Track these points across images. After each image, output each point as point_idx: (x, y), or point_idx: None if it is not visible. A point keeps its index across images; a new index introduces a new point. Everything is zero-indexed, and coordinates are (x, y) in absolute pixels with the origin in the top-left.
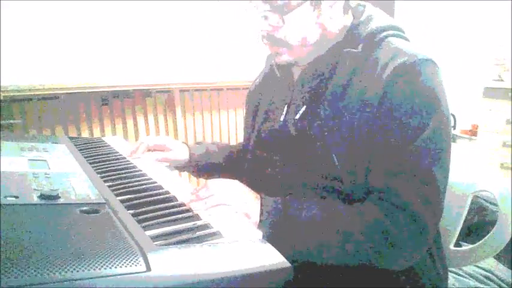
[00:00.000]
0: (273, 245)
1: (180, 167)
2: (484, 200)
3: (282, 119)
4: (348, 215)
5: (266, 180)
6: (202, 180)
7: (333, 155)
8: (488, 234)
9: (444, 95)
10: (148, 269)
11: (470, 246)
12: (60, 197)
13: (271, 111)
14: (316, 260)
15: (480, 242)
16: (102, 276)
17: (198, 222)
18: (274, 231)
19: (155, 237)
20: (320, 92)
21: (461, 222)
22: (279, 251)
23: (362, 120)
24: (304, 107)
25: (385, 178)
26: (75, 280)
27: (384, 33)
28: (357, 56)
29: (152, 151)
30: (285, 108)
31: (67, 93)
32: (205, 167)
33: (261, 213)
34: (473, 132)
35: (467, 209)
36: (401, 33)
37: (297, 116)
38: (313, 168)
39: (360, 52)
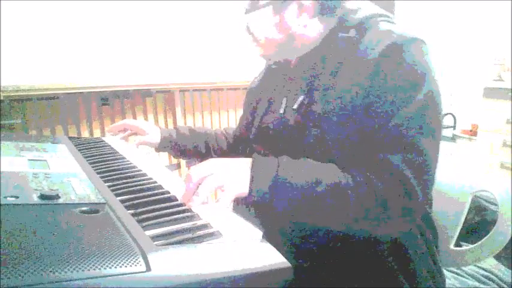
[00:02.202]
0: (266, 210)
1: (159, 149)
2: (484, 200)
3: (281, 111)
4: (343, 178)
5: None
6: None
7: (329, 142)
8: (488, 234)
9: (431, 71)
10: (149, 269)
11: (470, 246)
12: (60, 197)
13: (272, 105)
14: (309, 222)
15: (480, 242)
16: (102, 276)
17: (198, 222)
18: (267, 193)
19: (155, 237)
20: (315, 79)
21: (462, 222)
22: (271, 213)
23: (355, 102)
24: (302, 96)
25: (375, 150)
26: (75, 280)
27: (374, 19)
28: (348, 41)
29: (130, 132)
30: (284, 100)
31: (67, 93)
32: (176, 150)
33: (252, 177)
34: (473, 132)
35: (467, 209)
36: (391, 19)
37: (295, 106)
38: (312, 158)
39: (351, 37)
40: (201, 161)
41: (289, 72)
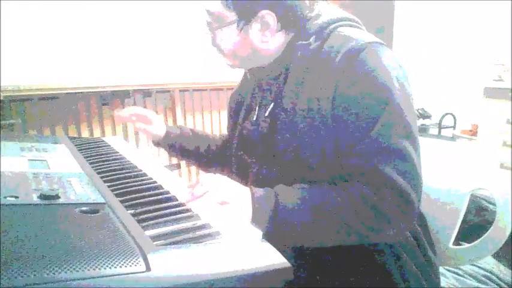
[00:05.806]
0: (270, 237)
1: (156, 143)
2: (484, 200)
3: (254, 118)
4: (337, 196)
5: (251, 181)
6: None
7: (302, 149)
8: (487, 233)
9: (393, 72)
10: (148, 269)
11: (468, 244)
12: (60, 197)
13: (248, 113)
14: (313, 244)
15: (478, 240)
16: (102, 276)
17: (198, 222)
18: (269, 222)
19: (155, 237)
20: (282, 88)
21: (460, 220)
22: (276, 241)
23: (322, 112)
24: (272, 104)
25: (360, 160)
26: (75, 280)
27: (334, 25)
28: (308, 48)
29: (136, 119)
30: (257, 108)
31: (67, 93)
32: (177, 148)
33: (253, 206)
34: (473, 132)
35: (465, 207)
36: (354, 23)
37: (266, 114)
38: (287, 164)
39: (312, 44)
40: (195, 163)
41: (260, 80)
